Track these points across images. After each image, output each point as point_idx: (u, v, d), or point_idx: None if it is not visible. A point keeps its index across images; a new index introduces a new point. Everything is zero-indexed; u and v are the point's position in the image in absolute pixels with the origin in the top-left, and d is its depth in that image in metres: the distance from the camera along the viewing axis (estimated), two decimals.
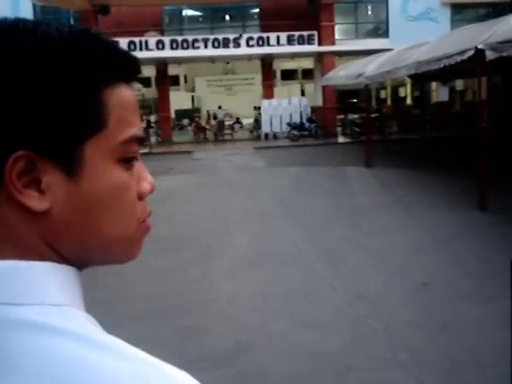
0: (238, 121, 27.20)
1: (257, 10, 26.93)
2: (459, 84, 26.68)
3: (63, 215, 0.57)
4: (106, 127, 0.58)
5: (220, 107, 26.02)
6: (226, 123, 25.99)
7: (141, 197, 0.64)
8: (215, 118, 26.10)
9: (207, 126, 26.19)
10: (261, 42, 23.56)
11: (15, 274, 0.55)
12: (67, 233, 0.58)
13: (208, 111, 28.03)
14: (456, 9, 25.01)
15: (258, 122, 25.31)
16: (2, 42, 0.55)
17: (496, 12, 21.70)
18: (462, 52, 8.83)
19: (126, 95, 0.61)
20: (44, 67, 0.55)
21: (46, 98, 0.55)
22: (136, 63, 0.64)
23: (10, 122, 0.54)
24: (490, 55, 8.11)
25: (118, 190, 0.59)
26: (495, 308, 4.74)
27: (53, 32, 0.57)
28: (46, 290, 0.55)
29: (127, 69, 0.62)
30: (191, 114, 30.80)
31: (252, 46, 23.55)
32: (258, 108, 25.95)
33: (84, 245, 0.59)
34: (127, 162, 0.61)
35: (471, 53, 8.50)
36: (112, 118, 0.59)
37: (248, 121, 28.10)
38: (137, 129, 0.62)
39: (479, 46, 8.24)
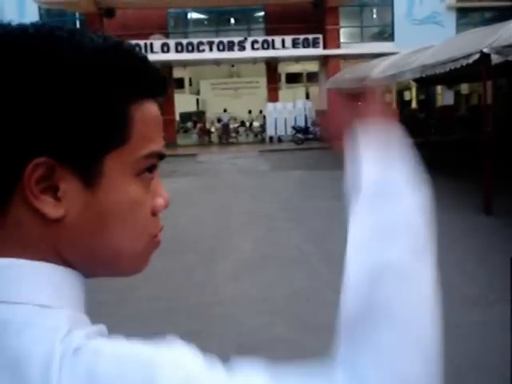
0: (242, 124, 27.22)
1: (262, 14, 26.99)
2: (464, 88, 26.64)
3: (76, 224, 0.57)
4: (129, 141, 0.59)
5: (225, 110, 26.07)
6: (231, 126, 26.03)
7: (154, 212, 0.63)
8: (219, 121, 26.13)
9: (212, 129, 26.22)
10: (266, 45, 23.63)
11: (8, 271, 0.55)
12: (77, 242, 0.58)
13: (210, 117, 28.07)
14: (461, 13, 25.00)
15: (251, 126, 25.29)
16: (39, 49, 0.55)
17: (501, 16, 21.65)
18: (468, 56, 8.81)
19: (151, 111, 0.62)
20: (75, 77, 0.55)
21: (73, 107, 0.55)
22: (164, 81, 0.65)
23: (36, 126, 0.54)
24: (495, 59, 8.09)
25: (133, 204, 0.60)
26: (499, 311, 4.72)
27: (87, 42, 0.58)
28: (36, 290, 0.55)
29: (155, 85, 0.63)
30: (196, 116, 30.83)
31: (257, 49, 23.62)
32: (249, 112, 25.86)
33: (92, 255, 0.59)
34: (146, 176, 0.61)
35: (476, 56, 8.48)
36: (136, 133, 0.59)
37: (254, 124, 28.11)
38: (158, 145, 0.62)
39: (484, 50, 8.22)
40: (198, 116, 30.97)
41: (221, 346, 4.40)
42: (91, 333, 0.54)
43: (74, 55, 0.56)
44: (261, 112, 27.02)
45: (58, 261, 0.58)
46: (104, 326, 0.59)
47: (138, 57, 0.61)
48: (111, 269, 0.62)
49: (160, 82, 0.64)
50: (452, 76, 12.49)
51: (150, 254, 0.65)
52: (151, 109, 0.62)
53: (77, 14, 25.33)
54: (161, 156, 0.63)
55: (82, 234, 0.58)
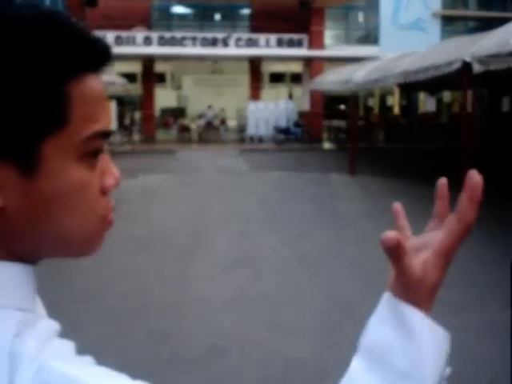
0: (223, 122, 27.07)
1: (247, 11, 26.89)
2: (447, 95, 26.90)
3: (18, 214, 0.54)
4: (68, 124, 0.54)
5: (210, 106, 25.84)
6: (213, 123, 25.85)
7: (104, 192, 0.60)
8: (201, 117, 25.93)
9: (192, 126, 26.01)
10: (250, 43, 23.54)
11: None
12: (22, 230, 0.55)
13: (192, 114, 27.89)
14: (446, 20, 25.22)
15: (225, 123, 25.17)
16: None
17: (485, 25, 21.89)
18: (449, 64, 8.85)
19: (91, 87, 0.56)
20: None
21: None
22: (107, 52, 0.59)
23: None
24: (476, 68, 8.12)
25: (78, 188, 0.56)
26: (470, 319, 4.72)
27: (13, 15, 0.52)
28: None
29: (97, 57, 0.57)
30: (176, 112, 30.61)
31: (241, 46, 23.52)
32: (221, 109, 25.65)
33: (40, 242, 0.56)
34: (91, 156, 0.57)
35: (458, 65, 8.51)
36: (75, 114, 0.54)
37: (234, 122, 27.99)
38: (102, 123, 0.57)
39: (466, 59, 8.25)
40: (178, 112, 30.76)
41: (191, 346, 4.34)
42: (43, 340, 0.51)
43: None
44: (242, 111, 26.89)
45: (3, 253, 0.55)
46: (57, 324, 0.56)
47: (73, 27, 0.55)
48: (61, 252, 0.59)
49: (101, 54, 0.58)
50: (434, 83, 12.56)
51: (102, 234, 0.62)
52: (92, 84, 0.56)
53: (59, 2, 24.96)
54: (106, 135, 0.58)
55: (26, 223, 0.54)
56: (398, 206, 0.72)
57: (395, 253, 0.62)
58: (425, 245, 0.65)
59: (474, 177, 0.63)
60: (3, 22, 0.51)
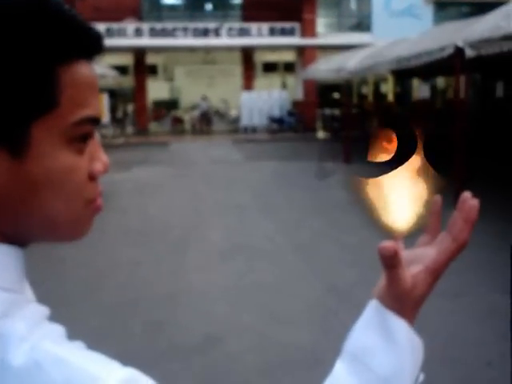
0: (216, 112, 27.01)
1: (238, 0, 26.75)
2: (441, 82, 26.87)
3: (7, 194, 0.55)
4: (57, 107, 0.55)
5: (204, 98, 25.71)
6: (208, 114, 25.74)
7: (92, 177, 0.60)
8: (194, 108, 25.83)
9: (186, 117, 25.91)
10: (242, 33, 23.44)
11: None
12: (11, 212, 0.56)
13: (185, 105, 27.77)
14: (439, 6, 25.17)
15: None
16: None
17: (478, 11, 21.83)
18: (442, 49, 8.83)
19: (82, 73, 0.57)
20: None
21: None
22: (98, 39, 0.60)
23: None
24: (469, 53, 8.10)
25: (65, 171, 0.57)
26: (466, 303, 4.76)
27: None
28: None
29: (88, 45, 0.59)
30: (169, 104, 30.50)
31: (233, 36, 23.42)
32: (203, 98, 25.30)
33: (26, 224, 0.57)
34: (80, 141, 0.58)
35: (451, 50, 8.49)
36: (65, 98, 0.55)
37: (229, 113, 27.91)
38: (92, 109, 0.58)
39: (458, 44, 8.23)
40: (171, 103, 30.66)
41: (188, 335, 4.36)
42: (33, 322, 0.53)
43: None
44: (235, 101, 26.81)
45: None
46: (46, 309, 0.57)
47: (65, 14, 0.56)
48: (48, 235, 0.60)
49: (92, 42, 0.59)
50: (428, 69, 12.56)
51: (89, 219, 0.63)
52: (82, 70, 0.57)
53: None
54: (95, 121, 0.59)
55: (14, 205, 0.55)
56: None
57: (391, 262, 0.64)
58: (415, 259, 0.68)
59: (470, 200, 0.66)
60: None
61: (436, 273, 0.66)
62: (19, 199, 0.56)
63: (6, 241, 0.57)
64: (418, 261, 0.67)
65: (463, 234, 0.66)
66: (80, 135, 0.57)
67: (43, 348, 0.51)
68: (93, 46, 0.60)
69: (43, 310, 0.56)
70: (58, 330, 0.55)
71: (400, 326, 0.65)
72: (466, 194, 0.67)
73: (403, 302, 0.66)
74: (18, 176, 0.55)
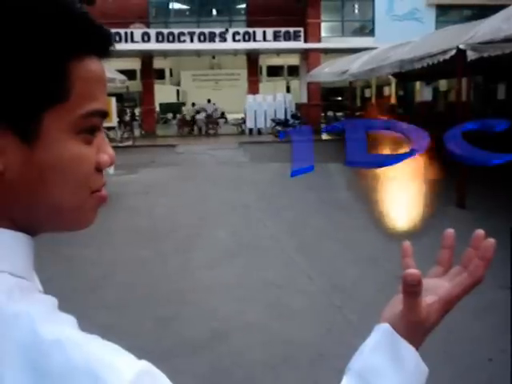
0: (223, 116, 27.13)
1: (244, 5, 26.91)
2: (443, 84, 26.86)
3: (15, 180, 0.56)
4: (68, 99, 0.57)
5: (209, 101, 25.92)
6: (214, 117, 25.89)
7: (99, 168, 0.62)
8: (198, 112, 25.98)
9: (198, 116, 26.00)
10: (247, 37, 23.57)
11: None
12: (18, 198, 0.57)
13: (194, 103, 27.90)
14: (441, 10, 25.20)
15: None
16: None
17: (480, 14, 21.87)
18: (444, 52, 8.92)
19: (93, 68, 0.60)
20: (7, 28, 0.54)
21: (6, 62, 0.54)
22: (109, 38, 0.63)
23: None
24: (471, 55, 8.20)
25: (73, 160, 0.59)
26: (466, 298, 4.83)
27: None
28: None
29: (99, 43, 0.61)
30: (176, 107, 30.66)
31: (238, 40, 23.55)
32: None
33: (34, 211, 0.59)
34: (88, 132, 0.60)
35: (453, 52, 8.59)
36: (75, 91, 0.58)
37: (233, 116, 28.04)
38: (100, 103, 0.61)
39: (460, 46, 8.33)
40: (178, 107, 30.82)
41: (194, 331, 4.45)
42: (46, 308, 0.55)
43: (6, 3, 0.55)
44: (241, 105, 26.94)
45: (3, 220, 0.57)
46: (55, 299, 0.58)
47: (79, 12, 0.59)
48: (54, 223, 0.62)
49: (103, 40, 0.62)
50: (430, 72, 12.64)
51: (93, 208, 0.64)
52: (93, 66, 0.60)
53: None
54: (103, 114, 0.62)
55: (21, 190, 0.57)
56: (406, 245, 0.75)
57: (414, 290, 0.65)
58: (428, 288, 0.69)
59: (486, 240, 0.69)
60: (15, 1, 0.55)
61: (449, 305, 0.68)
62: (29, 186, 0.57)
63: (16, 228, 0.58)
64: (431, 291, 0.69)
65: (479, 271, 0.68)
66: (88, 127, 0.59)
67: (62, 330, 0.52)
68: (103, 44, 0.62)
69: (53, 300, 0.58)
70: (72, 319, 0.56)
71: (410, 354, 0.66)
72: (480, 232, 0.69)
73: (416, 330, 0.67)
74: (28, 163, 0.56)
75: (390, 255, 6.23)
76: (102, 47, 0.62)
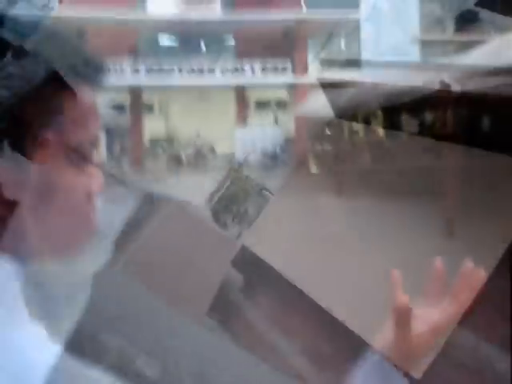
0: (211, 150, 27.23)
1: (232, 42, 27.43)
2: (429, 117, 27.19)
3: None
4: (60, 129, 0.58)
5: (198, 135, 26.13)
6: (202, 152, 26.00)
7: (89, 196, 0.63)
8: (187, 146, 26.10)
9: (183, 156, 26.12)
10: (235, 72, 23.96)
11: None
12: (10, 226, 0.57)
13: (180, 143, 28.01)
14: (425, 44, 25.76)
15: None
16: None
17: (464, 48, 22.32)
18: (429, 84, 9.06)
19: (84, 98, 0.61)
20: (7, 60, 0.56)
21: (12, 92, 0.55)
22: (101, 69, 0.65)
23: None
24: (455, 88, 8.34)
25: (64, 189, 0.59)
26: None
27: (24, 26, 0.58)
28: None
29: (91, 73, 0.63)
30: (165, 141, 30.70)
31: (226, 75, 23.93)
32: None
33: (25, 238, 0.58)
34: (79, 161, 0.60)
35: (437, 85, 8.73)
36: (67, 121, 0.59)
37: (222, 149, 28.10)
38: (92, 133, 0.62)
39: (445, 80, 8.48)
40: (167, 142, 30.87)
41: None
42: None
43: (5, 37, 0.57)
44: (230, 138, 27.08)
45: None
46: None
47: (72, 44, 0.62)
48: (45, 252, 0.60)
49: (94, 71, 0.64)
50: (416, 105, 12.80)
51: (84, 237, 0.64)
52: (85, 95, 0.61)
53: None
54: (94, 143, 0.63)
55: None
56: (395, 274, 0.74)
57: (405, 319, 0.67)
58: (418, 318, 0.71)
59: (476, 271, 0.71)
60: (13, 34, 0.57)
61: (438, 335, 0.70)
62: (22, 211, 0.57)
63: (6, 254, 0.58)
64: (421, 320, 0.70)
65: (468, 301, 0.70)
66: (80, 156, 0.60)
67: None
68: (95, 74, 0.63)
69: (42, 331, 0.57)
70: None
71: (401, 381, 0.68)
72: (469, 264, 0.71)
73: (407, 357, 0.69)
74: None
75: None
76: (94, 77, 0.64)
